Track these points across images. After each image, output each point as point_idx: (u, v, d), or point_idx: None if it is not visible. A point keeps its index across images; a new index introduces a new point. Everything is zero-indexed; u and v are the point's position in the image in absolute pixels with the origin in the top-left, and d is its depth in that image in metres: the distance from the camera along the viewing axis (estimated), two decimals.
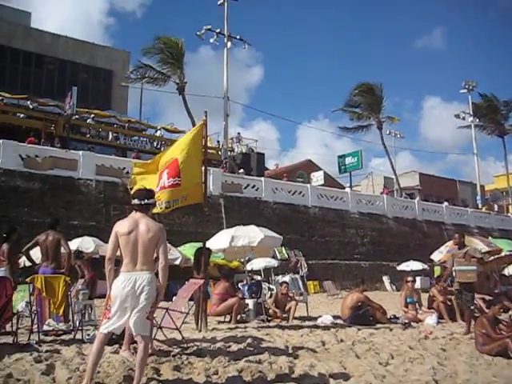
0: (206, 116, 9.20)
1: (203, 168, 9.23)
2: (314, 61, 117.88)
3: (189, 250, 17.56)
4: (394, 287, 27.55)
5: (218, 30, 32.14)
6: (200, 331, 8.77)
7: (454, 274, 9.71)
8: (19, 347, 6.43)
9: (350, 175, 39.60)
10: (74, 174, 22.29)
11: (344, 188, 36.94)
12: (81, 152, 23.22)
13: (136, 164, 9.14)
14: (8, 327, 7.27)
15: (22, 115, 27.99)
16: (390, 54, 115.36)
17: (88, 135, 29.57)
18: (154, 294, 4.87)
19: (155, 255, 5.06)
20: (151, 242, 4.95)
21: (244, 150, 35.61)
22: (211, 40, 32.19)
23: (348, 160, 39.48)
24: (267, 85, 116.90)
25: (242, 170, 29.85)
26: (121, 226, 5.02)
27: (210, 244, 11.68)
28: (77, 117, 29.31)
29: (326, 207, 29.98)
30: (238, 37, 33.03)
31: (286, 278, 20.13)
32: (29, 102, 29.19)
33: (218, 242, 12.00)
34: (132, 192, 6.21)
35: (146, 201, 5.22)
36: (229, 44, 32.38)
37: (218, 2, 32.81)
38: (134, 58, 39.85)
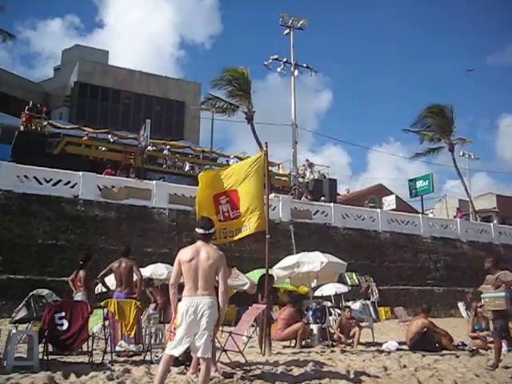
0: (266, 147, 9.59)
1: (265, 196, 9.52)
2: (383, 82, 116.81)
3: (256, 275, 17.86)
4: (469, 314, 26.65)
5: (284, 60, 32.78)
6: (264, 355, 9.01)
7: (482, 301, 9.39)
8: (94, 366, 6.93)
9: (422, 199, 38.86)
10: (148, 203, 23.25)
11: (417, 212, 36.31)
12: (154, 182, 24.25)
13: (202, 176, 9.40)
14: (84, 347, 7.79)
15: (103, 148, 29.55)
16: (462, 72, 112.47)
17: (164, 166, 30.72)
18: (215, 318, 5.19)
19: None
20: (211, 269, 5.29)
21: (316, 177, 35.81)
22: (278, 69, 32.89)
23: (419, 184, 38.85)
24: (336, 109, 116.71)
25: (323, 198, 30.53)
26: (183, 254, 5.40)
27: (275, 270, 11.99)
28: (154, 148, 30.70)
29: (397, 232, 29.57)
30: (304, 65, 33.56)
31: (357, 304, 20.07)
32: (110, 136, 30.82)
33: (284, 267, 12.28)
34: (197, 220, 6.62)
35: (209, 231, 5.62)
36: (296, 72, 32.95)
37: (284, 32, 33.56)
38: (204, 88, 41.31)
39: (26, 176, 21.22)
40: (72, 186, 21.89)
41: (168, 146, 32.36)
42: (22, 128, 27.65)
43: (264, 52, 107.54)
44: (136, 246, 19.13)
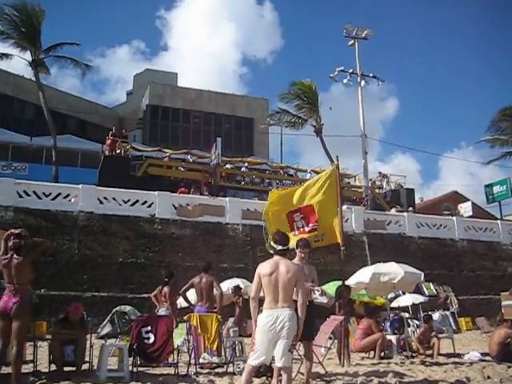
0: (337, 160, 9.73)
1: (339, 209, 9.64)
2: (451, 84, 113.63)
3: (332, 288, 17.87)
4: None
5: (350, 71, 32.84)
6: (343, 366, 9.07)
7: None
8: (180, 377, 7.25)
9: (500, 205, 37.57)
10: (222, 219, 23.75)
11: (495, 218, 35.12)
12: (227, 198, 24.79)
13: (272, 193, 9.72)
14: (169, 359, 8.14)
15: (182, 168, 30.48)
16: None
17: (242, 182, 31.25)
18: (294, 329, 5.37)
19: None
20: (290, 282, 5.48)
21: (393, 187, 35.49)
22: (344, 81, 33.02)
23: (496, 189, 37.58)
24: (403, 116, 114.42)
25: (410, 208, 30.35)
26: (263, 268, 5.62)
27: (351, 281, 12.03)
28: (231, 166, 31.42)
29: (475, 239, 28.70)
30: (370, 74, 33.49)
31: (436, 315, 19.66)
32: (189, 156, 31.77)
33: (359, 279, 12.31)
34: (272, 236, 6.85)
35: (286, 247, 5.83)
36: (362, 83, 32.89)
37: (349, 43, 33.61)
38: (270, 104, 41.84)
39: (105, 198, 22.27)
40: (149, 206, 22.73)
41: (246, 164, 32.96)
42: (106, 153, 29.00)
43: (324, 64, 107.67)
44: (212, 261, 19.52)
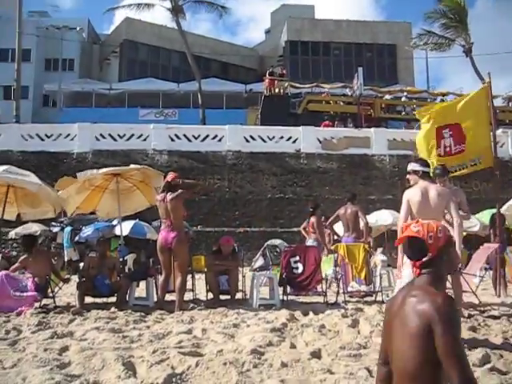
0: (489, 77, 8.97)
1: (492, 131, 8.97)
2: None
3: (487, 216, 16.97)
4: None
5: None
6: (499, 296, 8.65)
7: None
8: (329, 305, 7.41)
9: None
10: (368, 151, 23.36)
11: None
12: (372, 129, 24.20)
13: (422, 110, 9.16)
14: (319, 288, 8.33)
15: (341, 103, 30.09)
16: None
17: (403, 113, 30.19)
18: None
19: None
20: (441, 205, 5.35)
21: None
22: None
23: None
24: None
25: None
26: (412, 194, 5.45)
27: (506, 209, 11.34)
28: (391, 96, 30.41)
29: None
30: None
31: None
32: (347, 90, 31.15)
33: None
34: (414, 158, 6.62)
35: (427, 169, 5.60)
36: None
37: None
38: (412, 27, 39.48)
39: (251, 136, 22.84)
40: (294, 141, 22.95)
41: (405, 93, 31.69)
42: (265, 92, 29.37)
43: None
44: (359, 194, 19.39)
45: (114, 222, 17.83)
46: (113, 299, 7.82)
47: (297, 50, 40.57)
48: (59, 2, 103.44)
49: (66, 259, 15.18)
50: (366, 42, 40.74)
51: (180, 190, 7.26)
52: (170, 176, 7.47)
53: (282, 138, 22.99)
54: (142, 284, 8.84)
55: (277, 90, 28.90)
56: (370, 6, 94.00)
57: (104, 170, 8.89)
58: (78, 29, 36.60)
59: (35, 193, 8.65)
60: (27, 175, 8.62)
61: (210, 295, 8.18)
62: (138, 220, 15.86)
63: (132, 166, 9.43)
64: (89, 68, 41.74)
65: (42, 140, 22.49)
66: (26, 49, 31.05)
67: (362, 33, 40.95)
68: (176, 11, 29.56)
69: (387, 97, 30.03)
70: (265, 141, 22.82)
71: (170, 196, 7.20)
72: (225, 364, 3.96)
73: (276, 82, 29.16)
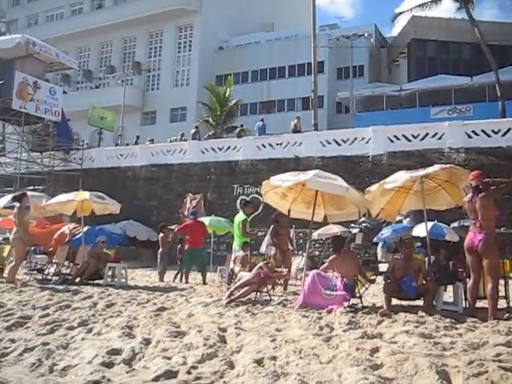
0: None
1: None
2: None
3: None
4: None
5: None
6: None
7: None
8: None
9: None
10: None
11: None
12: None
13: None
14: None
15: None
16: None
17: None
18: None
19: None
20: None
21: None
22: None
23: None
24: None
25: None
26: None
27: None
28: None
29: None
30: None
31: None
32: None
33: None
34: None
35: None
36: None
37: None
38: None
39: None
40: None
41: None
42: None
43: None
44: None
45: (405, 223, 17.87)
46: (418, 302, 7.71)
47: None
48: (344, 13, 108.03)
49: None
50: None
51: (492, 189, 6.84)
52: (472, 175, 7.06)
53: None
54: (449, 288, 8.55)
55: None
56: None
57: (414, 174, 8.63)
58: (366, 35, 37.48)
59: (341, 195, 9.03)
60: (335, 179, 9.05)
61: None
62: (436, 221, 15.50)
63: (436, 165, 9.10)
64: (377, 72, 42.44)
65: (339, 145, 23.60)
66: (319, 61, 33.03)
67: None
68: (465, 1, 28.19)
69: None
70: None
71: (479, 197, 6.81)
72: None
73: None
